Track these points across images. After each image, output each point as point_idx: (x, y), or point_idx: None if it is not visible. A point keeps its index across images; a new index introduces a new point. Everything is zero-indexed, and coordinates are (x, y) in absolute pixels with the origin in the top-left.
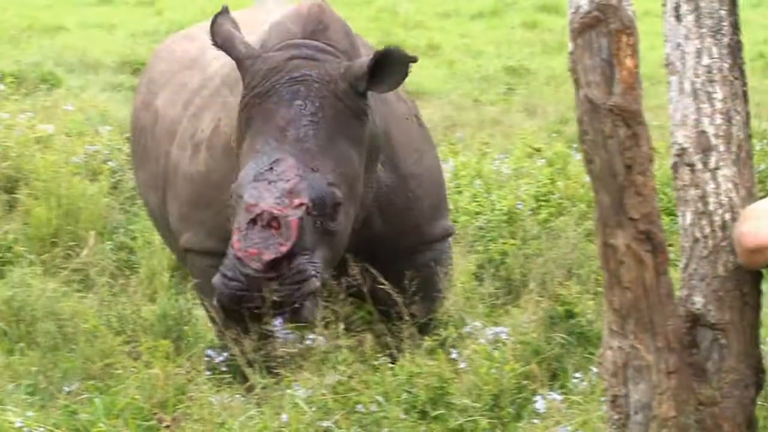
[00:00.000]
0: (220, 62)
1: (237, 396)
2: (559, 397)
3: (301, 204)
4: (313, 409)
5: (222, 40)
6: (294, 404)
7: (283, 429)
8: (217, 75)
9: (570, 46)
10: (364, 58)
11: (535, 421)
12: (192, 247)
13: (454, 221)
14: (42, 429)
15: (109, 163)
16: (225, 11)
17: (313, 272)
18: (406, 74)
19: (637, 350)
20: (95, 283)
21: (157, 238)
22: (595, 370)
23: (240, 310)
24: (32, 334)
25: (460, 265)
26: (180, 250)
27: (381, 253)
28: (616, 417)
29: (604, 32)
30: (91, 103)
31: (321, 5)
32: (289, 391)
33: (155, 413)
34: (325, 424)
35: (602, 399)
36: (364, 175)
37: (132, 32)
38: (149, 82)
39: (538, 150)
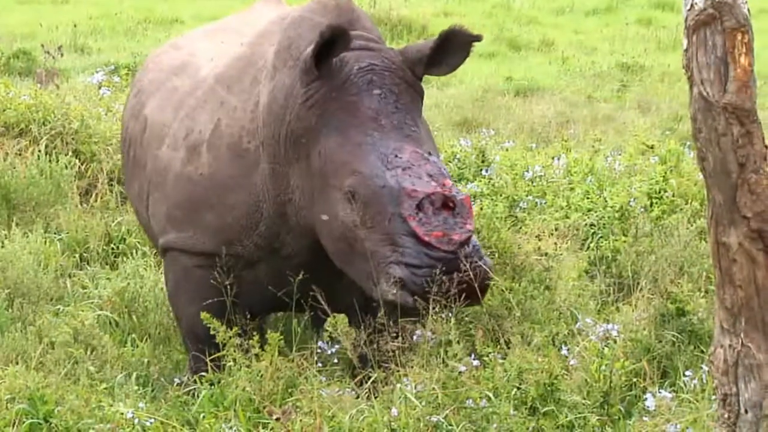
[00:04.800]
0: (213, 64)
1: (347, 389)
2: (670, 395)
3: (452, 185)
4: (423, 403)
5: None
6: (404, 398)
7: (392, 423)
8: (209, 76)
9: (684, 43)
10: (421, 42)
11: (645, 418)
12: (183, 247)
13: (566, 217)
14: (152, 420)
15: None
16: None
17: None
18: (467, 54)
19: (749, 349)
20: None
21: None
22: (705, 368)
23: (423, 299)
24: (144, 326)
25: (572, 261)
26: (160, 250)
27: None
28: (726, 415)
29: (718, 30)
30: None
31: None
32: (399, 385)
33: (265, 406)
34: (434, 418)
35: (713, 397)
36: None
37: None
38: (138, 92)
39: (651, 147)
